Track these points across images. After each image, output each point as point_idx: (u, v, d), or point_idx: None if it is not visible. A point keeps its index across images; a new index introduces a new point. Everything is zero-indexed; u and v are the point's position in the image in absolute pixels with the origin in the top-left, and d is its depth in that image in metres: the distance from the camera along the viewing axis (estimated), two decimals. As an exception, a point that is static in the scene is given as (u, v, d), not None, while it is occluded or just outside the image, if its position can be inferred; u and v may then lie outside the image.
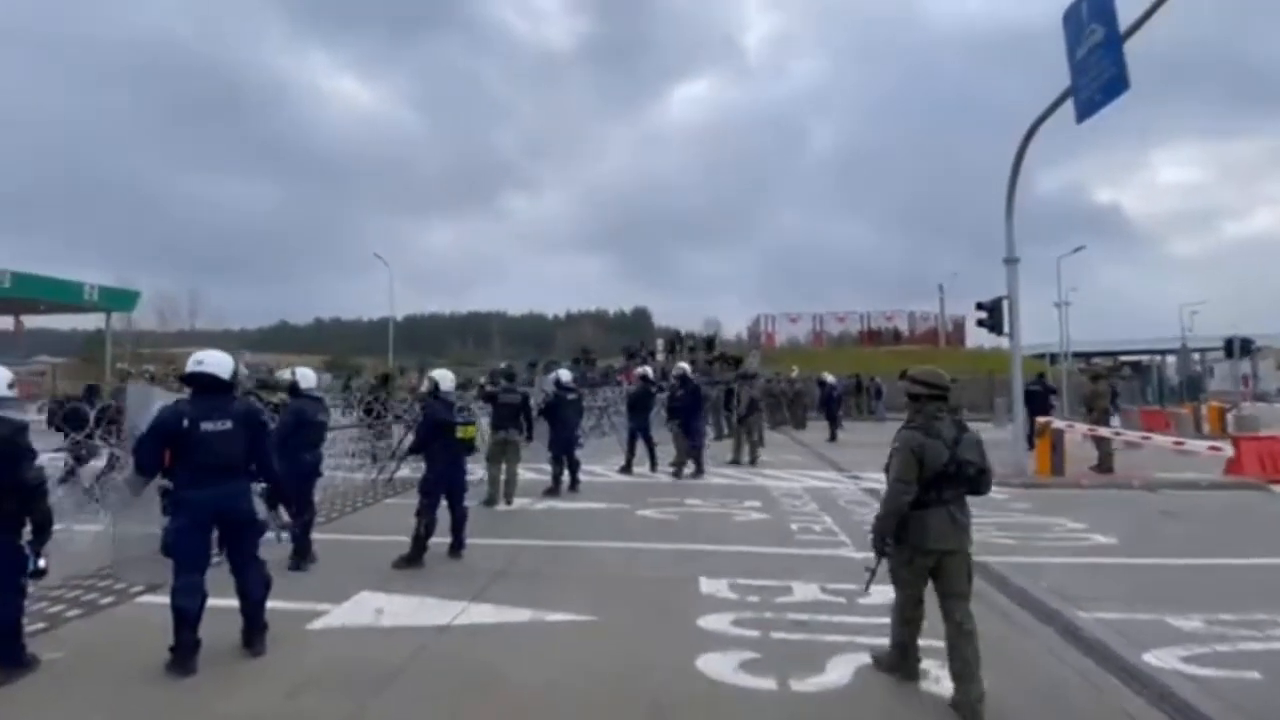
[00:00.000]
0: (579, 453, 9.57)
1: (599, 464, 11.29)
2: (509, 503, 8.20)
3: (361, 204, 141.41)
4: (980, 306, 10.74)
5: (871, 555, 3.49)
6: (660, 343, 24.45)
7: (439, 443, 5.81)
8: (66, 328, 36.36)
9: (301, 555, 5.53)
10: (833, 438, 17.24)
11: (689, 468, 10.33)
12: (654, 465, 10.90)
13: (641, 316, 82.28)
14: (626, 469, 10.70)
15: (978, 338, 40.60)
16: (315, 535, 5.81)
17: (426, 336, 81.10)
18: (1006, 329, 10.47)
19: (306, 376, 5.94)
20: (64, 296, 28.32)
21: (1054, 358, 33.97)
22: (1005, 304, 10.46)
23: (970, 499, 3.39)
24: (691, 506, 8.21)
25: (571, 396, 9.23)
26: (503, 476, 8.24)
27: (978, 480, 3.30)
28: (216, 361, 3.82)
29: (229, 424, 3.68)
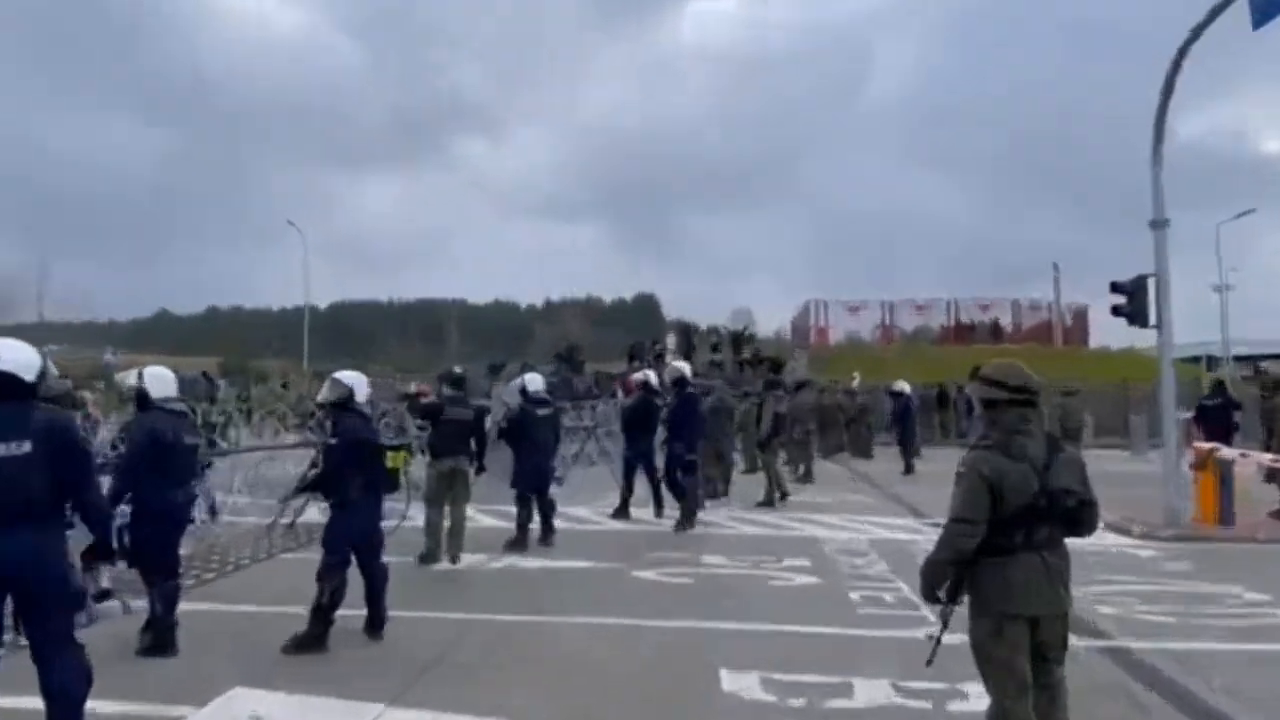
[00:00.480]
0: (555, 490, 9.29)
1: (584, 505, 11.00)
2: (454, 560, 7.93)
3: (272, 156, 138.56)
4: (1117, 289, 10.40)
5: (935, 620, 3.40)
6: (671, 338, 24.22)
7: (355, 475, 5.55)
8: None
9: (160, 634, 5.26)
10: (908, 469, 16.96)
11: (683, 509, 9.96)
12: (659, 508, 10.62)
13: (647, 306, 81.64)
14: (622, 512, 10.42)
15: (1105, 334, 40.25)
16: (182, 604, 5.55)
17: (358, 331, 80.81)
18: (1153, 319, 10.12)
19: (160, 381, 5.65)
20: None
21: (1211, 361, 33.58)
22: (1152, 284, 10.12)
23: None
24: (711, 566, 7.93)
25: (544, 412, 8.96)
26: (446, 523, 7.97)
27: (1078, 515, 3.18)
28: (14, 355, 3.55)
29: (27, 445, 3.41)
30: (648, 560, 8.10)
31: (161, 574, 5.29)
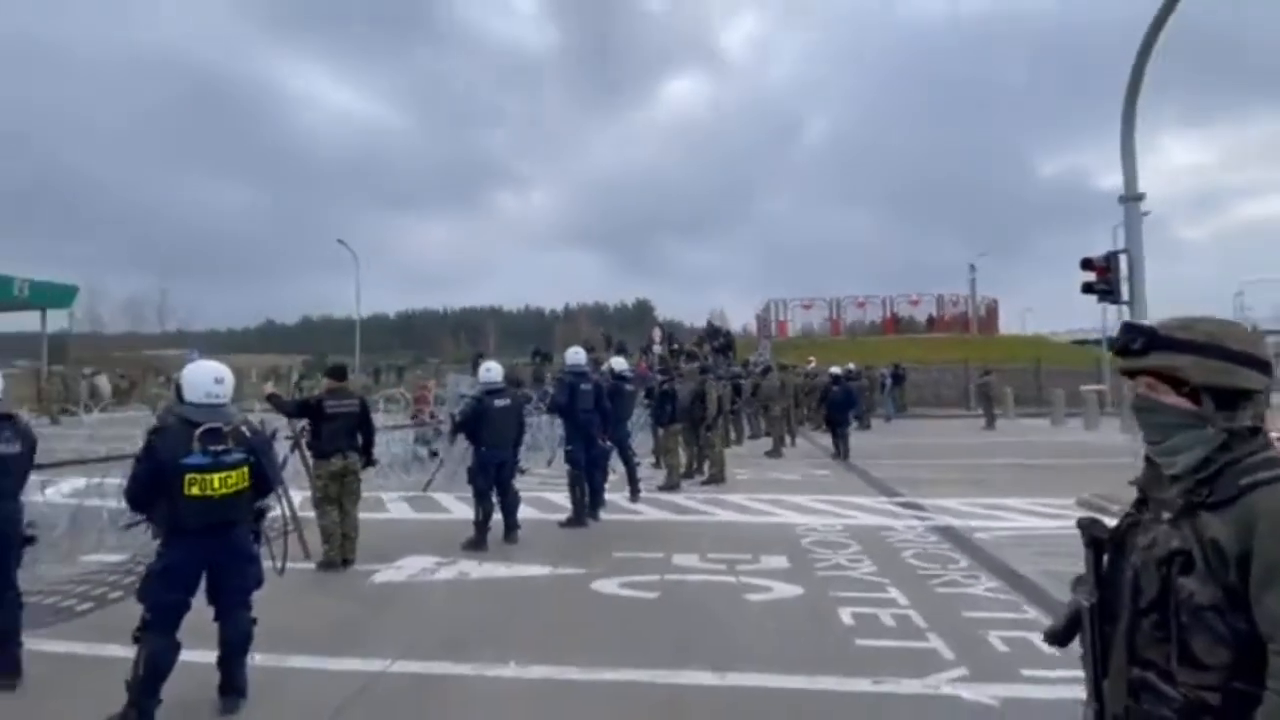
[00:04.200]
0: (520, 480, 6.75)
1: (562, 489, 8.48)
2: (345, 563, 5.52)
3: (350, 204, 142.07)
4: (1088, 265, 7.85)
5: None
6: (658, 332, 21.58)
7: (168, 500, 3.05)
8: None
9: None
10: (839, 453, 12.17)
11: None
12: (635, 493, 8.13)
13: (643, 309, 79.65)
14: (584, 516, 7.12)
15: (1011, 323, 37.61)
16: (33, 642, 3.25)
17: (421, 334, 79.25)
18: (1125, 295, 7.58)
19: None
20: None
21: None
22: (1123, 260, 7.57)
23: None
24: (681, 571, 5.37)
25: (501, 403, 6.36)
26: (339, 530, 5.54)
27: None
28: None
29: None
30: (613, 563, 5.56)
31: None
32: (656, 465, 10.15)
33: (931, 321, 31.89)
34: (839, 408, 12.20)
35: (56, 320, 30.44)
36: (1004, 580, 4.99)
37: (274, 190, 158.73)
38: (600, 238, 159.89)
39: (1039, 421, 18.87)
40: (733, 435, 13.66)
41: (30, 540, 3.62)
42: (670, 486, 8.87)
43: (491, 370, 6.56)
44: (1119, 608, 1.20)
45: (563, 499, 7.18)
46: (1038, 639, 3.91)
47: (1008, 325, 35.22)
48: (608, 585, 5.01)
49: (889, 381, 21.55)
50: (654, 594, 4.84)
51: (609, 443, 7.84)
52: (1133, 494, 1.28)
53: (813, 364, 19.49)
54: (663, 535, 6.57)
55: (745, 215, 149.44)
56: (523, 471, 6.73)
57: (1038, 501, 7.74)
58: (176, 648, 3.01)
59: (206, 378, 3.20)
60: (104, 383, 25.09)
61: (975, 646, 3.81)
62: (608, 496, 7.71)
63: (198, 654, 3.13)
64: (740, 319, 41.74)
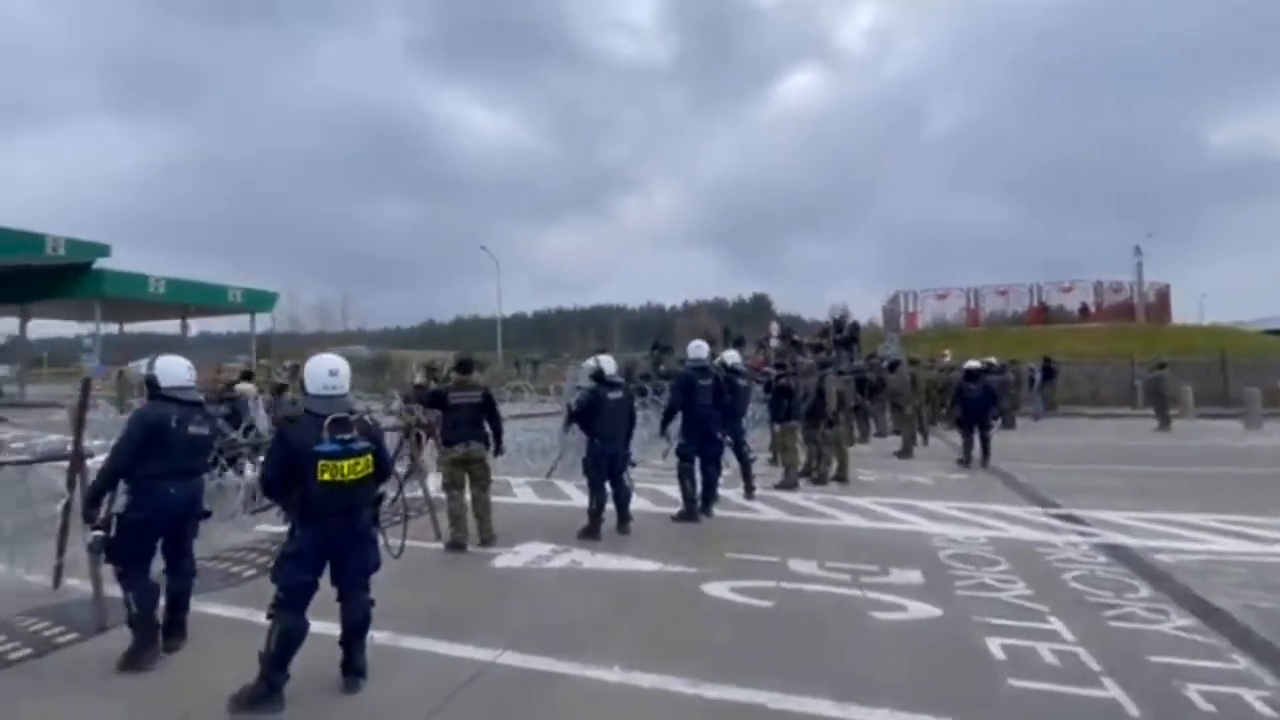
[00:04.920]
0: (631, 474, 6.51)
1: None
2: (485, 543, 5.75)
3: (494, 216, 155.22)
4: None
5: None
6: (775, 326, 20.68)
7: (301, 486, 3.11)
8: (222, 330, 40.38)
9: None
10: (967, 459, 10.37)
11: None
12: (749, 490, 7.69)
13: (761, 304, 78.15)
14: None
15: (1184, 312, 32.57)
16: (201, 605, 3.33)
17: (554, 330, 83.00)
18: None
19: (170, 369, 3.70)
20: (212, 299, 30.85)
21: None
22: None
23: None
24: (799, 579, 4.88)
25: (615, 395, 6.18)
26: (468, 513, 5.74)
27: None
28: None
29: None
30: (726, 564, 5.20)
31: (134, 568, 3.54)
32: (773, 462, 9.62)
33: (1085, 311, 28.27)
34: (975, 406, 10.37)
35: (263, 322, 35.71)
36: (1199, 617, 4.07)
37: (432, 206, 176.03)
38: (719, 236, 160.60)
39: (1227, 423, 16.08)
40: (857, 433, 12.76)
41: (206, 514, 3.91)
42: (787, 485, 8.33)
43: (607, 363, 6.37)
44: None
45: (677, 492, 6.90)
46: (1253, 698, 3.10)
47: (1181, 314, 30.53)
48: (718, 588, 4.66)
49: (1038, 376, 19.31)
50: (768, 602, 4.41)
51: (726, 438, 7.45)
52: None
53: (948, 357, 17.86)
54: (778, 537, 6.10)
55: (866, 208, 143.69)
56: (634, 464, 6.51)
57: (1235, 519, 6.40)
58: (305, 626, 3.12)
59: (322, 370, 3.29)
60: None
61: (1170, 702, 3.06)
62: (721, 492, 7.34)
63: (324, 626, 3.22)
64: (864, 312, 39.66)
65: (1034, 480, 8.54)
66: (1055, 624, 3.98)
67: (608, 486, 6.16)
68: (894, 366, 13.55)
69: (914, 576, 4.89)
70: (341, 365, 3.34)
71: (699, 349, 7.33)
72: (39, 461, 5.09)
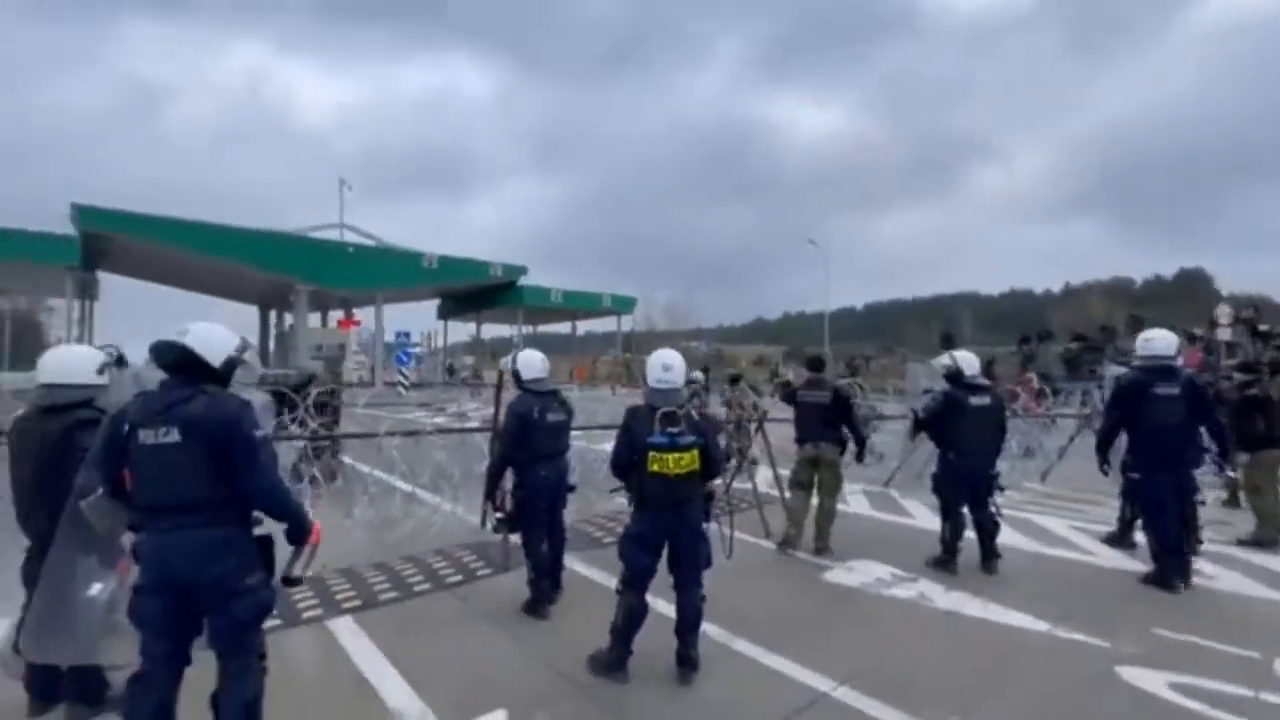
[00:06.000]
0: (998, 500, 5.17)
1: (1064, 515, 6.43)
2: (818, 551, 5.29)
3: (822, 209, 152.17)
4: None
5: None
6: (1225, 310, 14.98)
7: (637, 474, 3.25)
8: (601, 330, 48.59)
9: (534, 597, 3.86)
10: None
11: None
12: (1194, 542, 5.52)
13: (1191, 281, 59.09)
14: (1121, 540, 5.63)
15: None
16: (572, 562, 3.80)
17: (886, 323, 77.57)
18: None
19: (529, 364, 4.25)
20: (591, 305, 37.89)
21: None
22: None
23: None
24: (1295, 688, 3.19)
25: (978, 401, 4.90)
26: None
27: None
28: (205, 336, 2.36)
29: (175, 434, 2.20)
30: (1154, 643, 3.69)
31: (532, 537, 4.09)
32: (1229, 504, 6.90)
33: None
34: None
35: (626, 322, 41.95)
36: None
37: (762, 206, 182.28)
38: (1106, 201, 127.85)
39: None
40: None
41: (572, 488, 4.36)
42: (1261, 541, 5.78)
43: (969, 362, 5.10)
44: None
45: (1063, 527, 5.30)
46: None
47: None
48: (1147, 678, 3.29)
49: None
50: (1238, 718, 2.93)
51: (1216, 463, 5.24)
52: None
53: None
54: (1250, 619, 4.15)
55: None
56: (1002, 489, 5.17)
57: None
58: (646, 607, 3.22)
59: (656, 365, 3.33)
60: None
61: None
62: (1138, 537, 5.43)
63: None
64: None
65: None
66: None
67: (965, 511, 5.03)
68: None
69: None
70: (676, 360, 3.35)
71: (1159, 342, 4.91)
72: (473, 431, 6.48)
